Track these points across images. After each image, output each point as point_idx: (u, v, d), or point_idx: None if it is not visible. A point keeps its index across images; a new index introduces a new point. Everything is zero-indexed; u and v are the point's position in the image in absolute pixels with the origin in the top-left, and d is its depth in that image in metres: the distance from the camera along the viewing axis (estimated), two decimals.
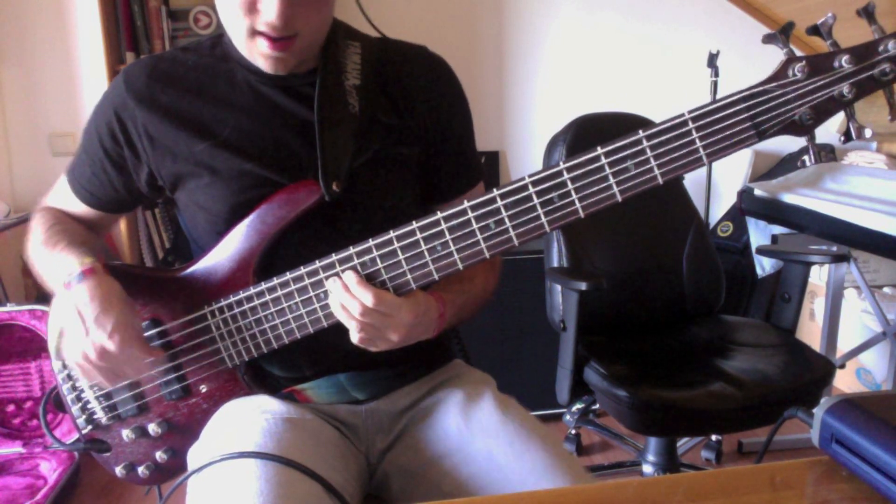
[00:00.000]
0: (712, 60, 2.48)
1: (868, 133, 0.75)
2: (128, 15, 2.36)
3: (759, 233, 2.58)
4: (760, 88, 0.76)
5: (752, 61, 2.69)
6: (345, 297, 0.85)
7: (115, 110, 0.98)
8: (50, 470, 2.02)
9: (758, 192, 2.08)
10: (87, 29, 2.44)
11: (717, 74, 2.49)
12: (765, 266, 2.59)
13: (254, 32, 0.88)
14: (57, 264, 0.93)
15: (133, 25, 2.37)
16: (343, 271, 0.87)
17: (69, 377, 1.02)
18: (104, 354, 0.85)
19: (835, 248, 2.01)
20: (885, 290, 2.55)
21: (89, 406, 1.02)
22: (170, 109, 0.96)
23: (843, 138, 0.77)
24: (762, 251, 2.03)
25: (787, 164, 2.69)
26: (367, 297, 0.84)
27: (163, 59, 1.00)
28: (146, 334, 0.95)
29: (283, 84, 0.96)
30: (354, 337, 0.87)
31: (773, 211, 2.04)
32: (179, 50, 1.01)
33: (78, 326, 0.86)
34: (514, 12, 2.72)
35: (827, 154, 0.74)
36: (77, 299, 0.87)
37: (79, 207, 1.06)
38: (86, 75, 2.51)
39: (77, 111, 2.52)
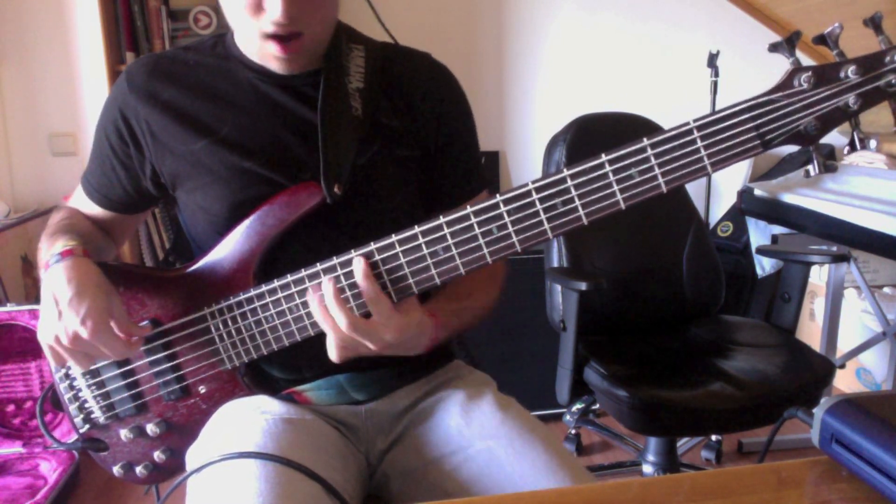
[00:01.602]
0: (712, 60, 2.48)
1: (873, 143, 0.75)
2: (128, 15, 2.36)
3: (759, 233, 2.58)
4: (766, 98, 0.75)
5: (752, 61, 2.69)
6: (319, 315, 0.84)
7: (120, 108, 0.99)
8: (50, 470, 2.02)
9: (758, 192, 2.08)
10: (87, 29, 2.44)
11: (717, 74, 2.49)
12: (765, 266, 2.59)
13: (264, 36, 0.88)
14: (48, 252, 0.94)
15: (133, 25, 2.37)
16: (345, 276, 0.85)
17: (66, 376, 1.02)
18: (76, 339, 0.85)
19: (835, 248, 2.01)
20: (885, 290, 2.55)
21: (87, 405, 1.02)
22: (170, 106, 0.96)
23: (847, 148, 0.76)
24: (762, 251, 2.03)
25: (787, 164, 2.70)
26: (341, 320, 0.82)
27: (164, 57, 1.00)
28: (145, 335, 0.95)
29: (284, 84, 0.96)
30: (331, 347, 0.85)
31: (773, 211, 2.04)
32: (181, 49, 1.01)
33: (52, 309, 0.85)
34: (514, 12, 2.72)
35: (831, 163, 0.74)
36: (53, 281, 0.87)
37: (93, 209, 1.07)
38: (86, 75, 2.51)
39: (77, 111, 2.52)
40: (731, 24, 2.73)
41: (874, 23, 0.72)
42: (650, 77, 2.77)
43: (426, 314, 0.88)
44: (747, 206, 2.14)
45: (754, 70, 2.68)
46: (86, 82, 2.52)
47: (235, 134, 0.95)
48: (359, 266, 0.83)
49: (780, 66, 0.76)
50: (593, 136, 1.78)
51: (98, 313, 0.85)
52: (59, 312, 0.85)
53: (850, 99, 0.73)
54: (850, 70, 0.72)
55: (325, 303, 0.84)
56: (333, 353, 0.85)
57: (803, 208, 1.90)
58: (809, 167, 0.79)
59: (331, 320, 0.83)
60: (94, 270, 0.90)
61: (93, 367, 0.98)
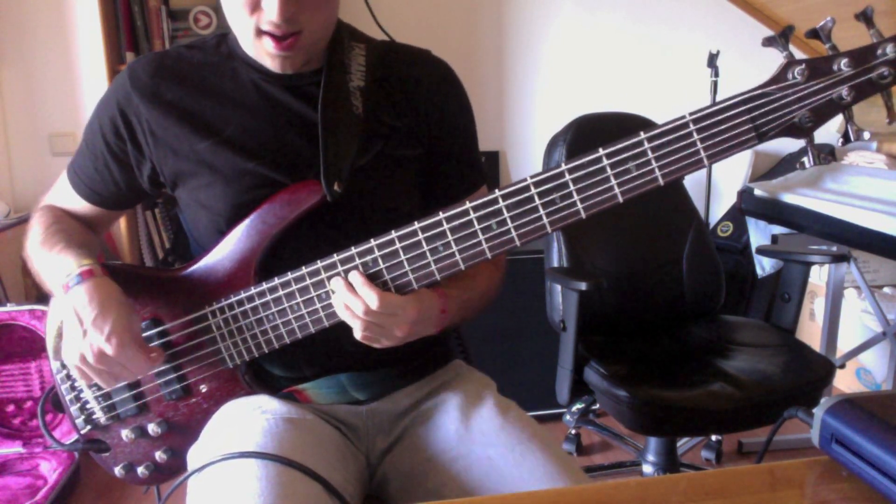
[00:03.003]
0: (712, 60, 2.48)
1: (867, 135, 0.76)
2: (128, 15, 2.36)
3: (759, 233, 2.58)
4: (760, 91, 0.76)
5: (752, 61, 2.68)
6: (348, 297, 0.85)
7: (119, 105, 0.98)
8: (50, 470, 2.02)
9: (758, 192, 2.08)
10: (87, 29, 2.44)
11: (717, 74, 2.49)
12: (765, 266, 2.59)
13: (259, 32, 0.88)
14: (55, 266, 0.93)
15: (133, 25, 2.37)
16: (347, 272, 0.87)
17: (67, 377, 1.02)
18: (102, 357, 0.85)
19: (835, 248, 2.01)
20: (885, 290, 2.55)
21: (88, 406, 1.02)
22: (173, 105, 0.96)
23: (841, 140, 0.78)
24: (762, 251, 2.03)
25: (787, 164, 2.69)
26: (371, 297, 0.84)
27: (168, 55, 1.00)
28: (146, 334, 0.95)
29: (287, 83, 0.96)
30: (358, 335, 0.87)
31: (773, 211, 2.04)
32: (184, 47, 1.01)
33: (76, 329, 0.86)
34: (514, 12, 2.72)
35: (826, 156, 0.75)
36: (75, 301, 0.87)
37: (79, 204, 1.06)
38: (86, 75, 2.51)
39: (77, 111, 2.52)
40: (731, 24, 2.73)
41: (865, 16, 0.74)
42: (650, 77, 2.77)
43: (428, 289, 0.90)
44: (747, 206, 2.14)
45: (754, 70, 2.67)
46: (86, 82, 2.51)
47: (239, 134, 0.95)
48: (357, 280, 0.85)
49: (778, 65, 0.77)
50: (593, 136, 1.78)
51: (122, 331, 0.86)
52: (83, 332, 0.85)
53: (843, 91, 0.74)
54: (843, 63, 0.74)
55: (353, 287, 0.85)
56: (360, 339, 0.87)
57: (803, 208, 1.90)
58: (804, 159, 0.80)
59: (360, 300, 0.84)
60: (116, 290, 0.90)
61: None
